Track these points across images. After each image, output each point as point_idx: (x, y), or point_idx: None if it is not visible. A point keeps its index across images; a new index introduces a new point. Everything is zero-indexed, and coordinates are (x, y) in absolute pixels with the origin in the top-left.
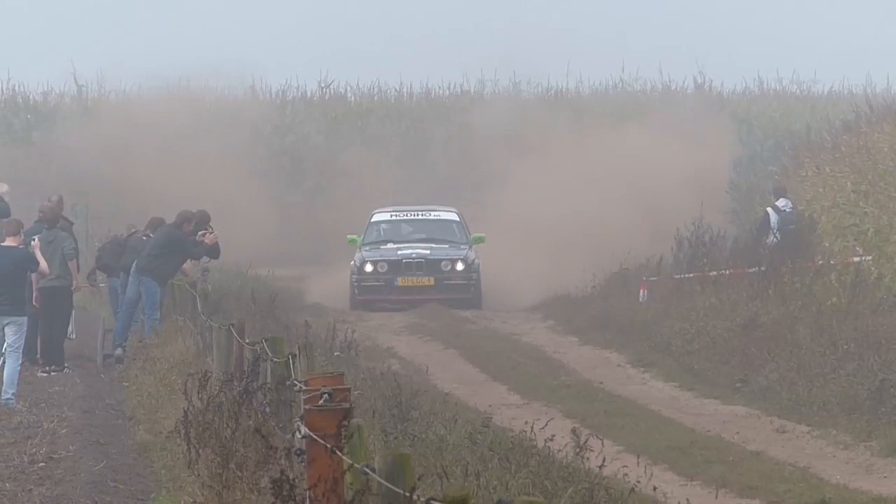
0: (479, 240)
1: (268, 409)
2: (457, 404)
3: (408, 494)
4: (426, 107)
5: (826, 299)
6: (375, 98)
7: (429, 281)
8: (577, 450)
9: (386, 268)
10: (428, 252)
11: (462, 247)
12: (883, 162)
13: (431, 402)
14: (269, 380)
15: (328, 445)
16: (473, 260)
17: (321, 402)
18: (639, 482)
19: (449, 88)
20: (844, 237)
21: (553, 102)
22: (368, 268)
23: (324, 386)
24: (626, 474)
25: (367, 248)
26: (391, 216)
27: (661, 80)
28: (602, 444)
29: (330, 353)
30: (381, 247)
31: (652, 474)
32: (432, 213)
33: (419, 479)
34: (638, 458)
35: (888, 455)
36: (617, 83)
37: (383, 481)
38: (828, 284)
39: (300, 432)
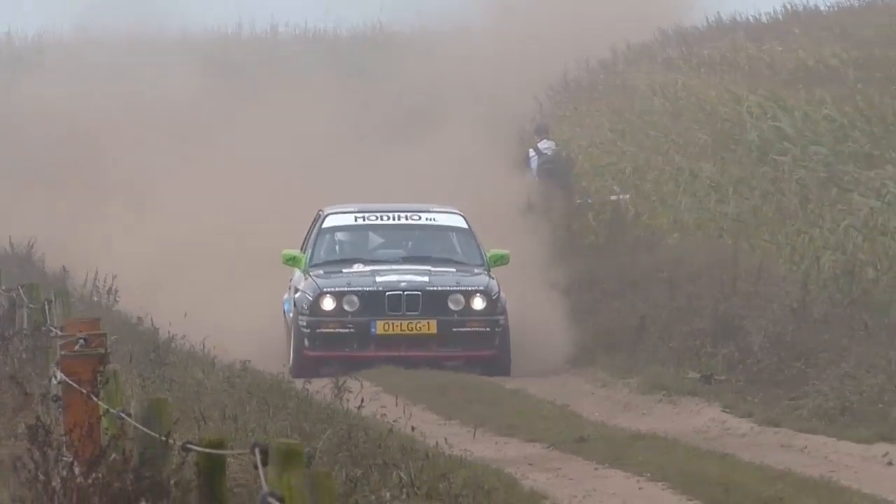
0: (501, 259)
1: (24, 356)
2: (215, 348)
3: (164, 438)
4: (186, 48)
5: (584, 238)
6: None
7: (428, 327)
8: (336, 391)
9: (357, 304)
10: (426, 279)
11: (476, 271)
12: (640, 101)
13: (189, 347)
14: (25, 326)
15: (84, 391)
16: (498, 293)
17: (77, 347)
18: (397, 422)
19: (207, 31)
20: (602, 176)
21: (311, 43)
22: (328, 304)
23: (80, 332)
24: (384, 415)
25: (320, 270)
26: (356, 219)
27: (418, 23)
28: (361, 385)
29: (88, 299)
30: (345, 269)
31: (411, 414)
32: (423, 216)
33: (176, 423)
34: (396, 398)
35: (646, 392)
36: (375, 24)
37: (139, 426)
38: (586, 223)
39: (56, 378)
